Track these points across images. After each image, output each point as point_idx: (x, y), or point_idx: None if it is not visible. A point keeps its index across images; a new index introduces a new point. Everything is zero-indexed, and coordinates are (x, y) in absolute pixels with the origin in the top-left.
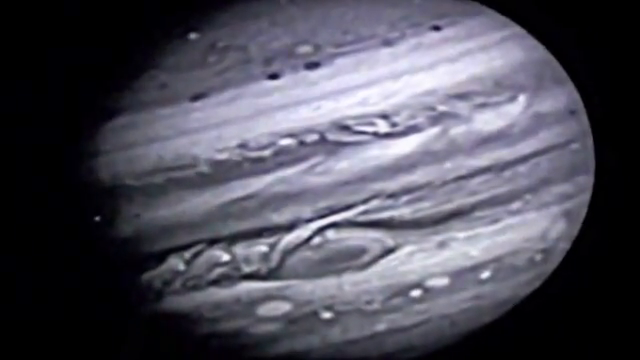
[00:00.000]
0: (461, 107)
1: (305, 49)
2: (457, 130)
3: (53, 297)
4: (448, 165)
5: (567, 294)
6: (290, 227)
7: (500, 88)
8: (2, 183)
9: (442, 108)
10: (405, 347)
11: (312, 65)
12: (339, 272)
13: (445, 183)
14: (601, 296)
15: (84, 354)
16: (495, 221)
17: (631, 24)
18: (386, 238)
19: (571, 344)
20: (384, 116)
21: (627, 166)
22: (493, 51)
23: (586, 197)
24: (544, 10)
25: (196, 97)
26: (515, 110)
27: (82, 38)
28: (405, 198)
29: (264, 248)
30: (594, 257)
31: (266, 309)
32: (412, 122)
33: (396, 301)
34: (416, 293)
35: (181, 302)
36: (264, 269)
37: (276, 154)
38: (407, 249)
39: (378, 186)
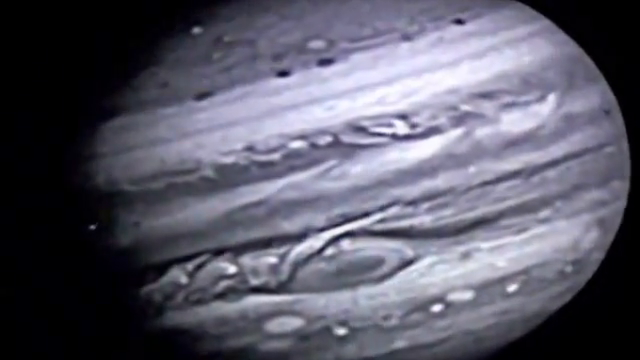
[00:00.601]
0: (486, 107)
1: (318, 44)
2: (482, 132)
3: (45, 312)
4: (472, 169)
5: (600, 308)
6: (302, 236)
7: (528, 86)
8: None
9: (466, 108)
10: None
11: (325, 61)
12: (354, 285)
13: (469, 189)
14: (637, 310)
15: None
16: (523, 230)
17: None
18: (405, 248)
19: None
20: (403, 116)
21: None
22: (521, 46)
23: (621, 204)
24: (575, 2)
25: (200, 96)
26: (544, 110)
27: (76, 32)
28: (426, 205)
29: (273, 259)
30: (629, 268)
31: (275, 325)
32: (433, 123)
33: (416, 316)
34: (438, 308)
35: (183, 317)
36: (273, 282)
37: (286, 157)
38: (428, 260)
39: (397, 192)
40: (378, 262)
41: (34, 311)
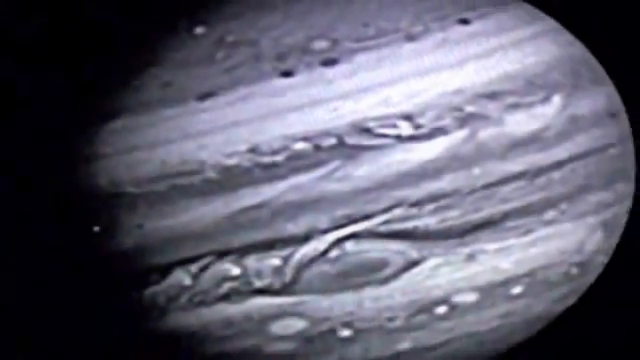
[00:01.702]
0: (491, 108)
1: (321, 44)
2: (486, 133)
3: (48, 314)
4: (477, 171)
5: (605, 310)
6: (305, 238)
7: (533, 87)
8: None
9: (470, 109)
10: None
11: (329, 62)
12: (358, 287)
13: (473, 190)
14: None
15: None
16: (528, 232)
17: None
18: (409, 250)
19: None
20: (407, 117)
21: None
22: (526, 47)
23: (626, 206)
24: (582, 2)
25: (203, 97)
26: (549, 111)
27: (77, 30)
28: (430, 207)
29: (277, 261)
30: (634, 270)
31: (280, 327)
32: (438, 124)
33: (420, 318)
34: (442, 310)
35: (187, 319)
36: (277, 283)
37: (290, 159)
38: (432, 262)
39: (401, 194)
40: (382, 264)
41: (36, 312)
